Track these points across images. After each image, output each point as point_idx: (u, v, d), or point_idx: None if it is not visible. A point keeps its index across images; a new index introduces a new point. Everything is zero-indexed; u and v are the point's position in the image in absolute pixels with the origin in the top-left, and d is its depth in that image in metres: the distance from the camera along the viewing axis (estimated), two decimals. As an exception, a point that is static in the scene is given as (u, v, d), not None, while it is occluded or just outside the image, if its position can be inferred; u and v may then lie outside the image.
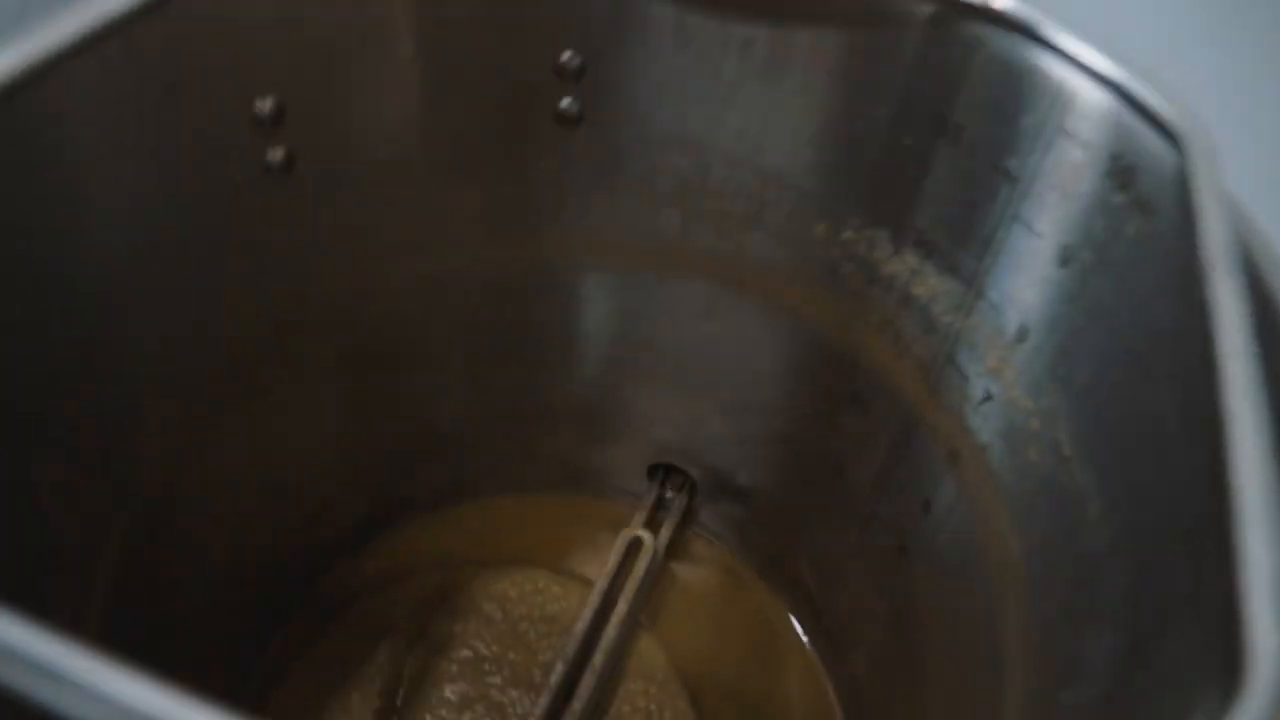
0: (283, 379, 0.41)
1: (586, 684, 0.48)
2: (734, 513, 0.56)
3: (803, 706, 0.52)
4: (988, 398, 0.35)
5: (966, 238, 0.35)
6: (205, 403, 0.37)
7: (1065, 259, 0.30)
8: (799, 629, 0.54)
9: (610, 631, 0.49)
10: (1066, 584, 0.31)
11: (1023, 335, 0.33)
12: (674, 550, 0.57)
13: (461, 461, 0.55)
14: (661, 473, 0.57)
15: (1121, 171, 0.28)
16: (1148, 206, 0.27)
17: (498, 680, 0.50)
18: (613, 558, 0.52)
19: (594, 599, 0.50)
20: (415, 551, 0.56)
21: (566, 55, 0.37)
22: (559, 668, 0.48)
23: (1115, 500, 0.28)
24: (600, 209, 0.43)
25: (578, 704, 0.47)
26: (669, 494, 0.57)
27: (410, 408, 0.50)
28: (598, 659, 0.48)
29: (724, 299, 0.45)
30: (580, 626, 0.49)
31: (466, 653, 0.51)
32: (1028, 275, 0.32)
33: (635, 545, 0.53)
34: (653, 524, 0.56)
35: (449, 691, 0.50)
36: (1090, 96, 0.28)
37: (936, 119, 0.33)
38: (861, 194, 0.38)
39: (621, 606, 0.50)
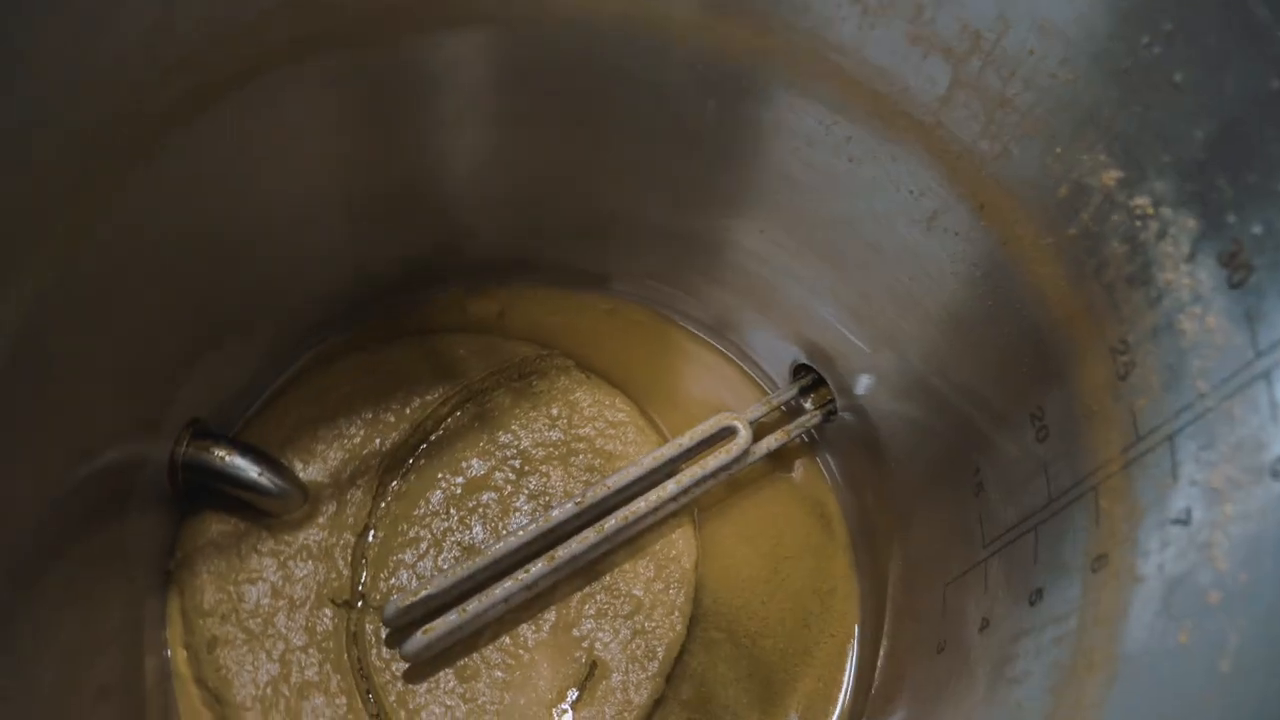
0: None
1: (585, 539, 0.41)
2: (859, 463, 0.46)
3: (807, 697, 0.43)
4: (1184, 520, 0.23)
5: (1298, 285, 0.21)
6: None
7: None
8: (858, 624, 0.45)
9: (641, 504, 0.42)
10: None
11: (1283, 468, 0.20)
12: (776, 464, 0.48)
13: (601, 247, 0.48)
14: (808, 379, 0.47)
15: None
16: None
17: (519, 483, 0.45)
18: (696, 431, 0.44)
19: (649, 461, 0.43)
20: (521, 316, 0.51)
21: None
22: (569, 507, 0.42)
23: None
24: (854, 23, 0.32)
25: (564, 552, 0.41)
26: (806, 404, 0.47)
27: (562, 164, 0.43)
28: (611, 522, 0.42)
29: (956, 213, 0.34)
30: (617, 480, 0.43)
31: (509, 438, 0.46)
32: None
33: (729, 433, 0.44)
34: (769, 425, 0.47)
35: (471, 463, 0.46)
36: None
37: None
38: (1191, 153, 0.24)
39: (672, 486, 0.43)
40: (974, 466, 0.35)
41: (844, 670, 0.44)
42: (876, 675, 0.41)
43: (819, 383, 0.46)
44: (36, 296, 0.29)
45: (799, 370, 0.47)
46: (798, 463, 0.48)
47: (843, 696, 0.44)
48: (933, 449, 0.39)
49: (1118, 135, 0.27)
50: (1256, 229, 0.22)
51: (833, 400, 0.46)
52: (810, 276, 0.42)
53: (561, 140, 0.41)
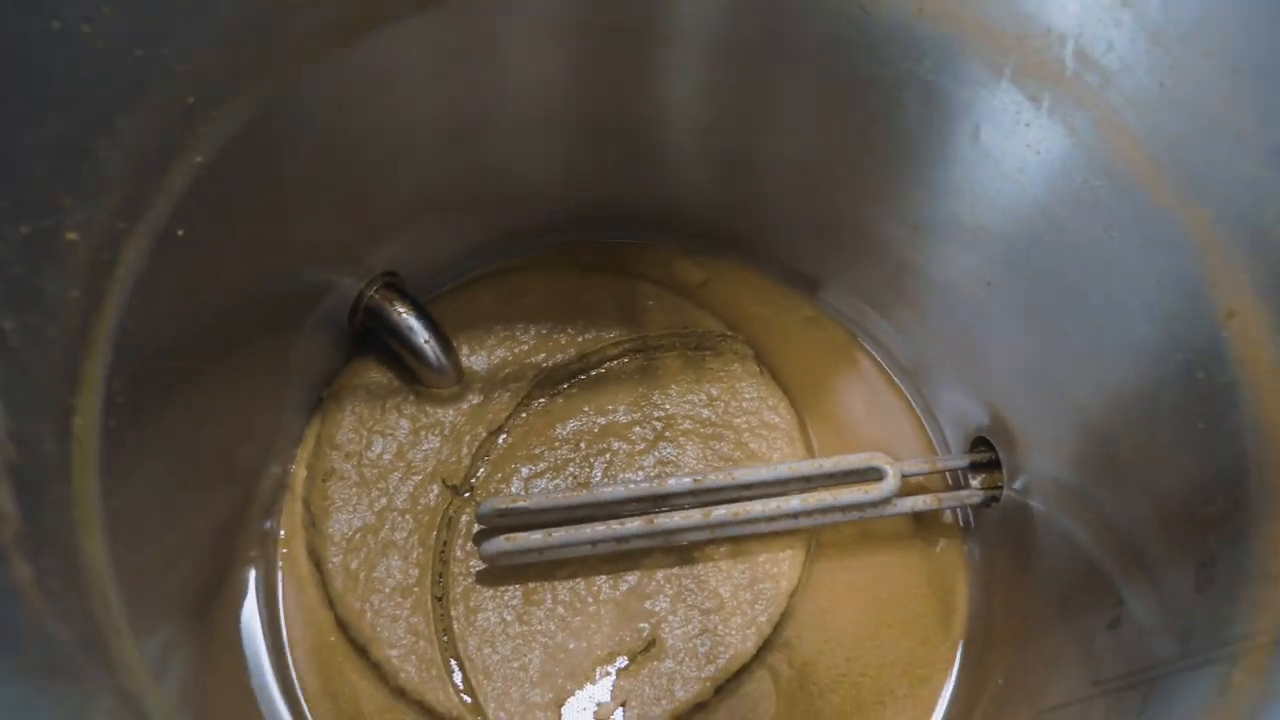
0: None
1: (690, 517, 0.40)
2: (1003, 561, 0.42)
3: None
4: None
5: None
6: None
7: None
8: (939, 724, 0.41)
9: (757, 507, 0.40)
10: None
11: None
12: (920, 530, 0.44)
13: (821, 249, 0.46)
14: (984, 456, 0.43)
15: None
16: None
17: (654, 444, 0.45)
18: (841, 459, 0.42)
19: (783, 470, 0.41)
20: (723, 293, 0.50)
21: None
22: (686, 481, 0.41)
23: None
24: (1160, 76, 0.29)
25: (663, 521, 0.40)
26: (973, 481, 0.43)
27: (799, 148, 0.41)
28: (720, 512, 0.40)
29: (1201, 318, 0.29)
30: (743, 475, 0.41)
31: (662, 400, 0.46)
32: None
33: (876, 475, 0.42)
34: (926, 488, 0.44)
35: (618, 409, 0.46)
36: None
37: None
38: None
39: (795, 503, 0.41)
40: (1118, 597, 0.31)
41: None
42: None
43: (994, 464, 0.42)
44: (277, 100, 0.31)
45: (978, 444, 0.43)
46: (943, 540, 0.45)
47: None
48: (1084, 568, 0.34)
49: None
50: None
51: (1001, 486, 0.42)
52: (1020, 348, 0.39)
53: (803, 121, 0.39)
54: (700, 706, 0.40)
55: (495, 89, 0.39)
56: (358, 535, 0.42)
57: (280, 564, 0.42)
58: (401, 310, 0.43)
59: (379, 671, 0.40)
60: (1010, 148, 0.35)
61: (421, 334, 0.43)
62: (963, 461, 0.43)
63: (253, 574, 0.41)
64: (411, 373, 0.45)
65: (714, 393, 0.46)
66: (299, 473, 0.43)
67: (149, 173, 0.27)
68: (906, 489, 0.43)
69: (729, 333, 0.48)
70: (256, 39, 0.29)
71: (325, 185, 0.37)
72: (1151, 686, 0.26)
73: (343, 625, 0.41)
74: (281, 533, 0.43)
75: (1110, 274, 0.33)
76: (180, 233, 0.29)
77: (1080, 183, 0.33)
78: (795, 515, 0.41)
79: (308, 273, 0.40)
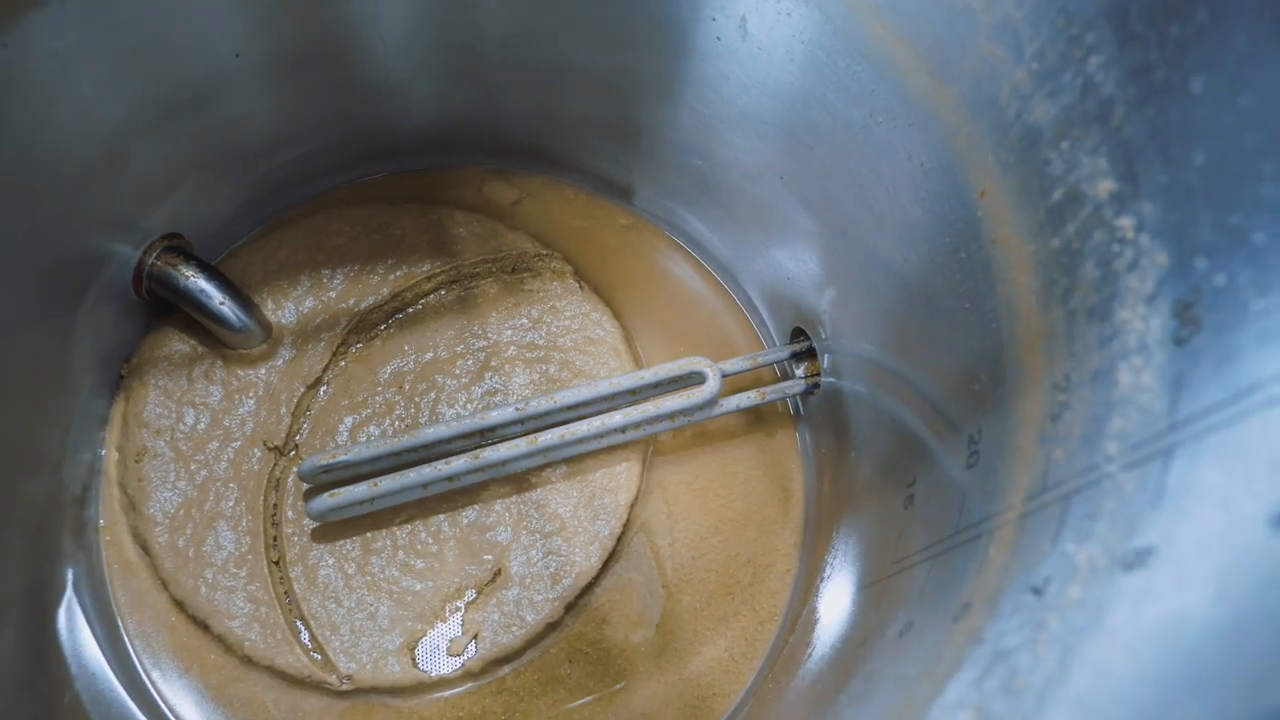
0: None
1: (516, 447, 0.40)
2: (827, 445, 0.43)
3: (711, 663, 0.41)
4: (1040, 590, 0.20)
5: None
6: None
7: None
8: (785, 606, 0.42)
9: (583, 427, 0.40)
10: None
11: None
12: (754, 426, 0.45)
13: (628, 156, 0.45)
14: (804, 346, 0.44)
15: None
16: None
17: (479, 375, 0.44)
18: (662, 368, 0.42)
19: (604, 386, 0.41)
20: (536, 210, 0.49)
21: None
22: (509, 410, 0.40)
23: None
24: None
25: (489, 454, 0.40)
26: (798, 372, 0.44)
27: (579, 56, 0.40)
28: (547, 437, 0.40)
29: (958, 197, 0.30)
30: (565, 396, 0.41)
31: (482, 329, 0.45)
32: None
33: (698, 379, 0.42)
34: (754, 383, 0.44)
35: (438, 344, 0.45)
36: None
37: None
38: (1187, 177, 0.20)
39: (619, 417, 0.41)
40: (911, 477, 0.32)
41: (758, 646, 0.42)
42: (779, 662, 0.39)
43: (813, 353, 0.43)
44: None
45: (797, 334, 0.44)
46: (778, 432, 0.46)
47: (754, 676, 0.41)
48: (884, 448, 0.36)
49: (1124, 140, 0.22)
50: (1219, 279, 0.19)
51: (819, 373, 0.43)
52: (817, 237, 0.39)
53: (576, 25, 0.38)
54: (553, 626, 0.40)
55: (201, 64, 0.36)
56: (181, 511, 0.40)
57: (105, 552, 0.40)
58: (189, 274, 0.41)
59: (224, 644, 0.39)
60: (778, 37, 0.34)
61: (215, 296, 0.41)
62: (783, 353, 0.44)
63: (73, 569, 0.39)
64: (215, 337, 0.42)
65: (535, 314, 0.46)
66: (110, 456, 0.42)
67: None
68: (739, 385, 0.43)
69: (545, 251, 0.47)
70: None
71: (51, 169, 0.34)
72: (934, 563, 0.27)
73: (179, 604, 0.40)
74: (101, 521, 0.41)
75: (882, 160, 0.33)
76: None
77: (845, 68, 0.33)
78: (623, 430, 0.41)
79: (68, 246, 0.37)
